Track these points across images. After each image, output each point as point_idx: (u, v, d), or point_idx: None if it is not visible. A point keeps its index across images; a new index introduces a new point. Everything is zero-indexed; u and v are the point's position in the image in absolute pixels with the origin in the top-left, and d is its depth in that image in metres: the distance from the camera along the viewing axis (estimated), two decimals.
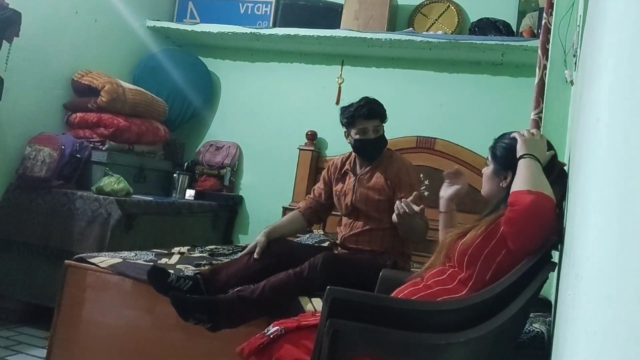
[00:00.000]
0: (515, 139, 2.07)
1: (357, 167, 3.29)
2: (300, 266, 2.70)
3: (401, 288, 2.11)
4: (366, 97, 3.20)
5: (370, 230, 3.14)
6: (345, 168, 3.33)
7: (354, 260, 2.95)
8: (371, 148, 3.20)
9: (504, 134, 2.19)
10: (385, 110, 3.21)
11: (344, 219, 3.29)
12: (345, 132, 3.25)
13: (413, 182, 3.15)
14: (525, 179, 1.89)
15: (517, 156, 1.99)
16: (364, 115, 3.12)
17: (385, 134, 3.24)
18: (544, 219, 1.82)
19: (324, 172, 3.43)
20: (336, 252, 3.18)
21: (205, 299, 2.51)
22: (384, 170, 3.18)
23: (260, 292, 2.56)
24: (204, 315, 2.45)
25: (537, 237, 1.86)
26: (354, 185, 3.21)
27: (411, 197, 2.60)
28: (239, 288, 2.67)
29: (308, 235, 4.32)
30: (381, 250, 3.10)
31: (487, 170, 2.20)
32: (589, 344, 0.97)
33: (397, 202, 2.61)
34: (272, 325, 2.11)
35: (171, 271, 2.70)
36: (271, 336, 2.05)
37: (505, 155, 2.11)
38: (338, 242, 3.27)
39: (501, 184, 2.11)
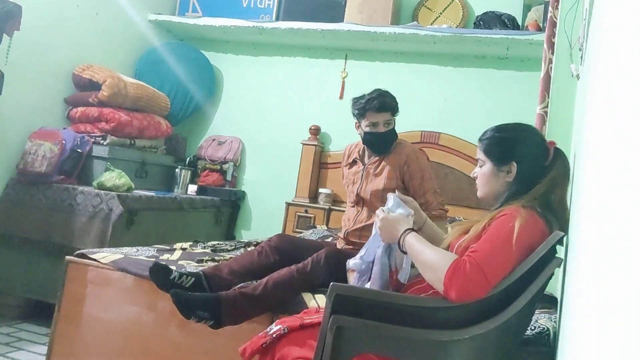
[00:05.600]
0: (507, 130, 2.11)
1: (366, 156, 3.27)
2: (303, 262, 2.68)
3: (406, 286, 2.08)
4: (379, 89, 3.15)
5: (374, 224, 3.11)
6: (354, 156, 3.31)
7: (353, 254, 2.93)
8: (381, 142, 3.16)
9: (486, 131, 2.15)
10: (397, 103, 3.17)
11: (349, 211, 3.27)
12: (355, 122, 3.21)
13: (423, 166, 3.14)
14: (423, 266, 1.89)
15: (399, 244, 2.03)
16: (375, 108, 3.08)
17: (396, 127, 3.21)
18: (480, 279, 1.74)
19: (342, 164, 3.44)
20: (339, 247, 3.15)
21: (207, 296, 2.49)
22: (391, 159, 3.16)
23: (263, 289, 2.54)
24: (206, 312, 2.42)
25: (500, 270, 1.79)
26: (361, 175, 3.21)
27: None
28: (242, 284, 2.65)
29: (311, 230, 4.31)
30: None
31: (485, 170, 2.11)
32: (595, 341, 0.95)
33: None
34: (274, 323, 2.09)
35: (173, 267, 2.68)
36: (274, 335, 2.02)
37: (501, 149, 2.08)
38: (342, 236, 3.25)
39: (507, 179, 2.05)
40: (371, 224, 3.09)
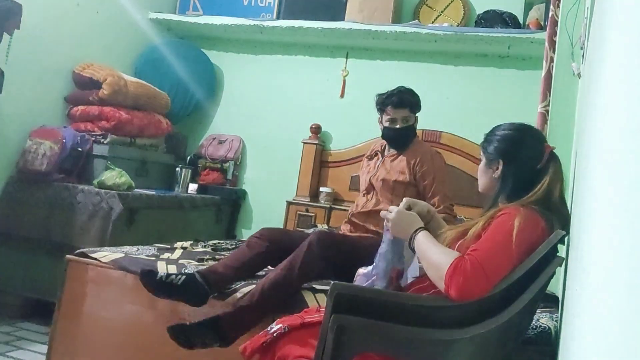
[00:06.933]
0: (504, 129, 2.13)
1: (386, 150, 3.38)
2: (294, 253, 2.63)
3: (407, 286, 2.08)
4: (401, 87, 3.26)
5: (380, 212, 3.10)
6: (376, 149, 3.43)
7: (352, 240, 2.94)
8: (397, 138, 3.27)
9: (493, 128, 2.19)
10: (417, 101, 3.27)
11: (359, 199, 3.33)
12: (379, 117, 3.32)
13: (436, 168, 3.21)
14: (428, 264, 1.89)
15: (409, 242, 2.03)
16: (393, 104, 3.19)
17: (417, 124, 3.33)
18: (481, 278, 1.74)
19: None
20: (342, 232, 3.20)
21: (206, 321, 2.44)
22: (408, 154, 3.24)
23: (260, 295, 2.50)
24: (209, 336, 2.40)
25: (501, 270, 1.79)
26: (377, 166, 3.30)
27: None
28: (239, 298, 2.59)
29: (312, 229, 4.30)
30: None
31: (480, 164, 2.20)
32: (597, 340, 0.95)
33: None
34: (275, 322, 2.08)
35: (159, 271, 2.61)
36: (274, 334, 2.02)
37: (492, 146, 2.12)
38: (346, 219, 3.30)
39: (494, 175, 2.11)
40: (377, 210, 3.09)
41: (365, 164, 3.45)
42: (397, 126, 3.22)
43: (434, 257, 1.86)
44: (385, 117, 3.24)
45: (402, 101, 3.20)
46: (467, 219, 3.32)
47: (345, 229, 3.26)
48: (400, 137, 3.26)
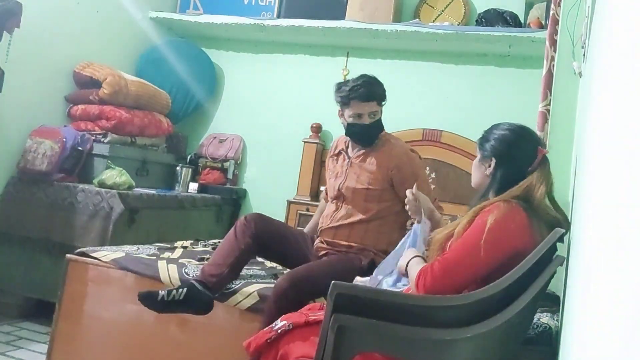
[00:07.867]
0: (501, 129, 2.16)
1: (350, 148, 3.07)
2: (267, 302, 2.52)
3: (406, 288, 2.10)
4: (364, 75, 2.96)
5: (351, 224, 2.92)
6: (340, 148, 3.12)
7: (323, 272, 2.64)
8: (365, 134, 2.96)
9: (492, 127, 2.22)
10: (384, 91, 2.96)
11: (328, 207, 3.07)
12: (339, 110, 3.01)
13: (416, 170, 2.94)
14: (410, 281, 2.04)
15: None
16: (360, 97, 2.88)
17: (382, 117, 2.99)
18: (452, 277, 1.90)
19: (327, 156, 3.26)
20: (319, 244, 2.99)
21: None
22: (379, 156, 2.95)
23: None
24: None
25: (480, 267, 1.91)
26: (346, 170, 3.00)
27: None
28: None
29: None
30: (360, 247, 2.88)
31: (475, 159, 2.24)
32: (597, 339, 0.95)
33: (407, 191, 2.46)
34: (280, 319, 2.09)
35: (160, 290, 2.55)
36: (279, 331, 2.03)
37: (487, 143, 2.16)
38: (317, 233, 3.06)
39: (485, 172, 2.15)
40: (347, 224, 2.91)
41: (331, 165, 3.13)
42: (365, 122, 2.89)
43: (411, 272, 2.00)
44: (349, 112, 2.90)
45: (371, 94, 2.88)
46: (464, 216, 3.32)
47: (319, 246, 2.99)
48: (367, 134, 2.94)
